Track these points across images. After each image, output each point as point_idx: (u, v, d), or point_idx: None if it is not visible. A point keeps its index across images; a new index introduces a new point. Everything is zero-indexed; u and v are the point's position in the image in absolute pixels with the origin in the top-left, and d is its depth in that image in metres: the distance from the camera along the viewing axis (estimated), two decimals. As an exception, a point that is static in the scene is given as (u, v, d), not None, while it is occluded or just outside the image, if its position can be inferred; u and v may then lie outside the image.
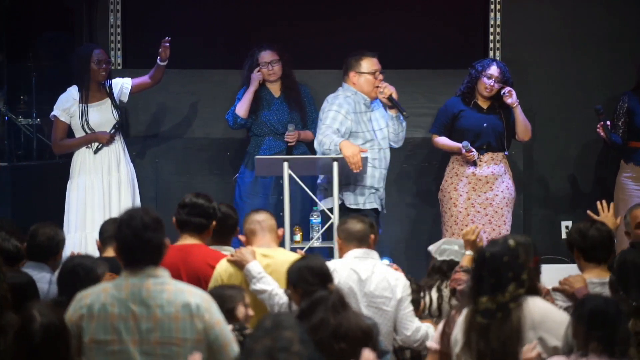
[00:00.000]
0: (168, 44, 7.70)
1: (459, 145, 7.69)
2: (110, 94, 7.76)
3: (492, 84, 7.71)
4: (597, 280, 5.21)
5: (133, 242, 4.10)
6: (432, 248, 5.76)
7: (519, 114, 7.74)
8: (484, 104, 7.83)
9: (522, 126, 7.78)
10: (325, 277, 4.68)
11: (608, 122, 7.78)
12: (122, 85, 7.82)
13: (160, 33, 8.52)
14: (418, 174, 8.53)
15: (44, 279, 5.24)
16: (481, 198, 7.71)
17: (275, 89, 8.04)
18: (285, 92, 8.03)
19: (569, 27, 8.74)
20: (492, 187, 7.74)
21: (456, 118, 7.83)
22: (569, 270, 5.52)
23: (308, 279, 4.65)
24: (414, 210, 8.54)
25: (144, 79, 7.87)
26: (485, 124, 7.77)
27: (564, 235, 8.55)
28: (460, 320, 4.39)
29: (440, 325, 4.85)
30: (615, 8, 8.72)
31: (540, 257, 5.09)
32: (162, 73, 7.82)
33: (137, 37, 8.74)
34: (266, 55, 7.94)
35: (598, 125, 7.76)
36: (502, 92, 7.69)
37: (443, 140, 7.88)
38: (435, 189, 8.11)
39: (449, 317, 4.75)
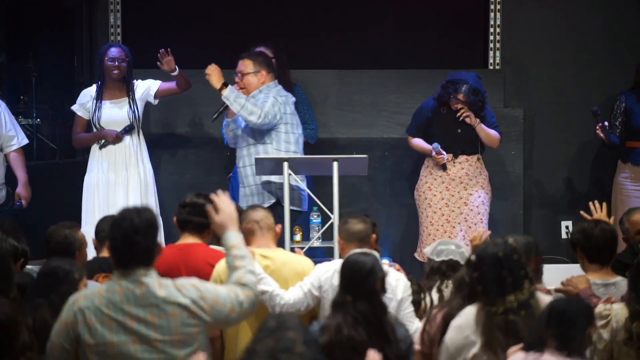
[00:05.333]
0: (162, 55, 7.67)
1: (429, 147, 7.73)
2: (129, 94, 7.78)
3: (459, 106, 7.69)
4: (599, 281, 5.19)
5: (122, 244, 4.10)
6: (427, 250, 5.76)
7: (481, 132, 7.73)
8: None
9: (486, 141, 7.80)
10: (356, 284, 4.54)
11: (606, 123, 7.78)
12: (150, 87, 7.84)
13: (160, 33, 8.55)
14: (418, 174, 8.53)
15: None
16: (455, 197, 7.73)
17: None
18: None
19: (569, 28, 8.75)
20: (467, 187, 7.77)
21: (431, 121, 7.84)
22: (569, 270, 5.51)
23: (343, 274, 4.63)
24: (413, 210, 8.54)
25: (172, 84, 7.88)
26: (459, 130, 7.76)
27: (564, 235, 8.56)
28: (466, 322, 4.39)
29: (421, 325, 4.88)
30: (615, 8, 8.73)
31: (542, 258, 5.10)
32: (183, 79, 7.81)
33: (137, 37, 8.75)
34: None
35: (597, 127, 7.76)
36: (459, 119, 7.69)
37: (417, 142, 7.92)
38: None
39: (430, 317, 4.78)
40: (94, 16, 8.79)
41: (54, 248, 5.41)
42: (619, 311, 4.69)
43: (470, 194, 7.77)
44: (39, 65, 8.60)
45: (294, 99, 7.42)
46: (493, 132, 7.80)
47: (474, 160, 7.82)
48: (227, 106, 7.27)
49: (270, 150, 7.23)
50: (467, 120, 7.68)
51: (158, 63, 7.70)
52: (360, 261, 4.60)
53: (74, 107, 7.88)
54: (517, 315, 4.30)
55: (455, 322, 4.43)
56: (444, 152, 7.71)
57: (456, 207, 7.74)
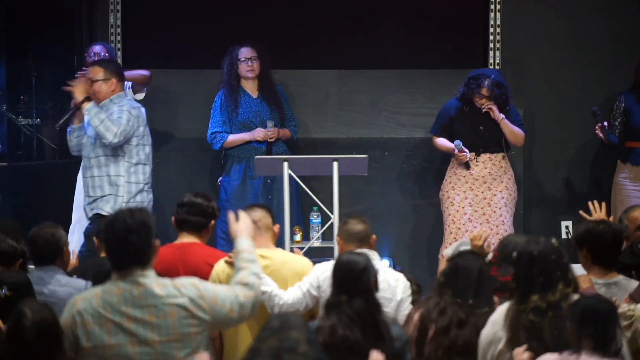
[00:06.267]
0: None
1: (452, 145, 7.74)
2: None
3: (483, 102, 7.72)
4: (601, 281, 5.18)
5: (116, 245, 4.11)
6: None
7: (505, 127, 7.76)
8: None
9: (510, 137, 7.82)
10: (351, 284, 4.58)
11: (605, 123, 7.78)
12: (127, 84, 7.80)
13: (160, 33, 8.55)
14: (418, 174, 8.54)
15: (57, 282, 5.22)
16: (478, 198, 7.76)
17: (252, 89, 8.05)
18: (263, 92, 8.04)
19: (569, 28, 8.75)
20: (490, 187, 7.77)
21: (454, 120, 7.85)
22: (569, 270, 5.50)
23: (336, 275, 4.62)
24: (414, 210, 8.55)
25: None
26: (481, 127, 7.78)
27: (564, 235, 8.56)
28: (499, 317, 4.39)
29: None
30: (615, 8, 8.73)
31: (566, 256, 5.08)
32: (132, 77, 7.76)
33: (137, 37, 8.74)
34: (246, 52, 7.98)
35: (596, 127, 7.76)
36: (482, 110, 7.70)
37: (440, 141, 7.93)
38: (435, 189, 8.13)
39: (408, 316, 4.79)
40: (94, 16, 8.79)
41: (42, 247, 5.36)
42: None
43: (494, 194, 7.77)
44: (39, 65, 8.59)
45: (143, 108, 7.34)
46: (518, 129, 7.82)
47: (498, 159, 7.82)
48: (74, 112, 7.20)
49: (121, 162, 7.14)
50: (491, 113, 7.68)
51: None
52: (353, 260, 4.61)
53: None
54: (542, 316, 4.28)
55: (491, 318, 4.44)
56: (466, 150, 7.71)
57: (479, 207, 7.75)
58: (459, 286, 4.66)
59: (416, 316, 4.73)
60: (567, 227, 8.57)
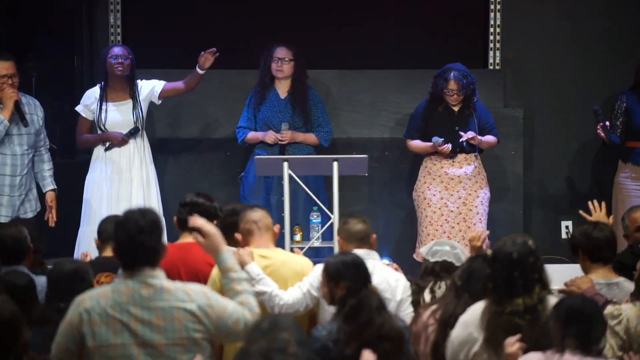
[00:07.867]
0: (211, 53, 7.66)
1: (430, 144, 7.73)
2: (133, 95, 7.75)
3: (454, 97, 7.72)
4: (602, 281, 5.18)
5: (127, 244, 4.09)
6: (423, 250, 5.76)
7: (484, 145, 7.80)
8: (455, 106, 7.82)
9: (487, 148, 7.86)
10: (368, 275, 4.65)
11: (607, 123, 7.79)
12: (154, 87, 7.81)
13: (161, 33, 8.54)
14: (417, 174, 8.52)
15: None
16: (454, 197, 7.74)
17: (282, 90, 8.05)
18: (293, 94, 8.03)
19: (569, 27, 8.75)
20: (465, 186, 7.77)
21: (428, 121, 7.83)
22: (569, 270, 5.51)
23: (352, 274, 4.64)
24: (413, 210, 8.53)
25: (178, 84, 7.85)
26: (456, 127, 7.76)
27: (564, 235, 8.56)
28: (472, 318, 4.39)
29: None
30: (615, 8, 8.74)
31: (542, 258, 5.09)
32: (197, 81, 7.79)
33: (137, 37, 8.74)
34: (280, 52, 7.98)
35: (597, 127, 7.76)
36: (462, 143, 7.70)
37: (416, 143, 7.92)
38: (435, 189, 8.13)
39: (416, 315, 4.80)
40: (94, 16, 8.79)
41: (12, 246, 5.31)
42: (628, 311, 4.70)
43: (469, 194, 7.77)
44: (39, 65, 8.58)
45: None
46: (492, 139, 7.85)
47: (472, 159, 7.83)
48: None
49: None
50: (472, 142, 7.69)
51: (201, 58, 7.65)
52: (357, 256, 4.68)
53: (78, 108, 7.86)
54: (521, 318, 4.30)
55: (462, 318, 4.45)
56: (447, 143, 7.70)
57: (455, 207, 7.75)
58: (475, 290, 4.63)
59: (426, 314, 4.71)
60: (567, 227, 8.58)
